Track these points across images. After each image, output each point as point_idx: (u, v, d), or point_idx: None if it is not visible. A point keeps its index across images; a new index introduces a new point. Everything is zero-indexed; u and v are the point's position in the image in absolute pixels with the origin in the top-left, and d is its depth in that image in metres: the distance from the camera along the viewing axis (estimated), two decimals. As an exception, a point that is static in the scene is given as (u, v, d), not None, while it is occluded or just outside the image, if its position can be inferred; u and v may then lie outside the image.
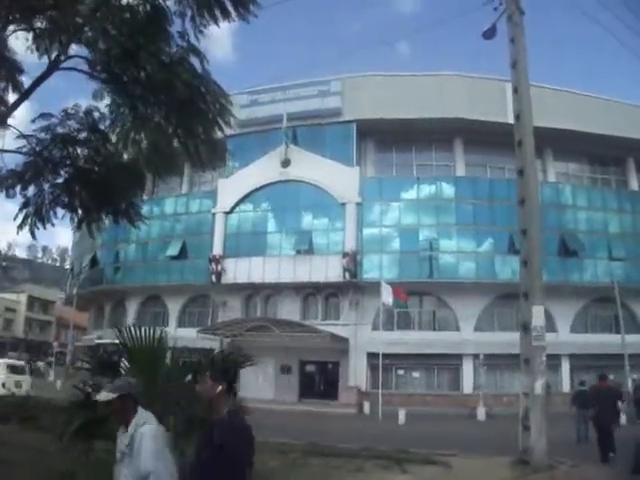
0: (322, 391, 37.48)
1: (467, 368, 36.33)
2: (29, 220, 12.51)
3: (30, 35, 11.00)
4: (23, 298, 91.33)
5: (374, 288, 33.23)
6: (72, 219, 13.08)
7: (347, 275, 36.51)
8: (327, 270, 37.04)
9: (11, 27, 10.94)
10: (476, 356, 34.31)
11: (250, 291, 40.44)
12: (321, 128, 40.19)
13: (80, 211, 12.92)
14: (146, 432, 4.12)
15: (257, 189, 40.79)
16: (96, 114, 11.97)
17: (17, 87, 12.23)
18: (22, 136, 12.07)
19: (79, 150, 12.33)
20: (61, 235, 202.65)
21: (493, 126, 34.35)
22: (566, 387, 35.46)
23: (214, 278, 39.44)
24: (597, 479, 10.90)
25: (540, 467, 11.15)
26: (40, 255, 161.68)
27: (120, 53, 10.03)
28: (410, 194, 38.67)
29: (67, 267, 60.34)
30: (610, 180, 42.90)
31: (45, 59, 11.12)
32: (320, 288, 38.51)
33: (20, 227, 12.52)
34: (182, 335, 35.32)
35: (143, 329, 9.05)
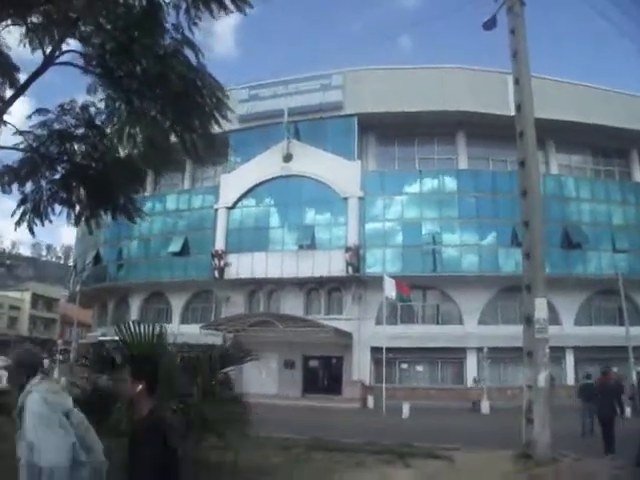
0: (326, 386, 37.41)
1: (471, 361, 36.28)
2: (27, 216, 12.47)
3: (23, 30, 10.93)
4: (27, 296, 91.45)
5: (377, 282, 33.16)
6: (69, 215, 12.99)
7: (350, 270, 36.44)
8: (330, 265, 36.97)
9: (4, 22, 10.88)
10: (480, 349, 34.22)
11: (253, 286, 40.40)
12: (322, 122, 40.08)
13: (78, 207, 12.86)
14: (28, 402, 3.97)
15: (259, 184, 40.70)
16: (92, 109, 11.89)
17: (13, 83, 12.15)
18: (19, 132, 12.01)
19: (76, 146, 12.25)
20: (66, 233, 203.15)
21: (495, 119, 34.23)
22: (570, 380, 35.49)
23: (217, 274, 39.40)
24: (601, 472, 10.79)
25: (543, 460, 11.07)
26: (44, 253, 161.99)
27: (115, 47, 9.96)
28: (412, 188, 38.55)
29: (71, 265, 60.26)
30: (613, 172, 42.68)
31: (40, 55, 11.06)
32: (323, 283, 38.48)
33: (18, 224, 12.48)
34: (185, 331, 35.46)
35: (142, 325, 9.05)
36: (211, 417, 7.98)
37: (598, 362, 32.93)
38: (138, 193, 13.72)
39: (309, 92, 40.68)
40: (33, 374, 4.19)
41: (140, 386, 3.72)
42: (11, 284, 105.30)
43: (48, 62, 10.95)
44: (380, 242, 37.50)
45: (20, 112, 14.27)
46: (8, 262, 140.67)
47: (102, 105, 11.74)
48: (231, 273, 39.41)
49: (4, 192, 12.23)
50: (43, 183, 12.46)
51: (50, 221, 12.70)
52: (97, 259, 47.94)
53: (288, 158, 40.13)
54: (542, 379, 11.74)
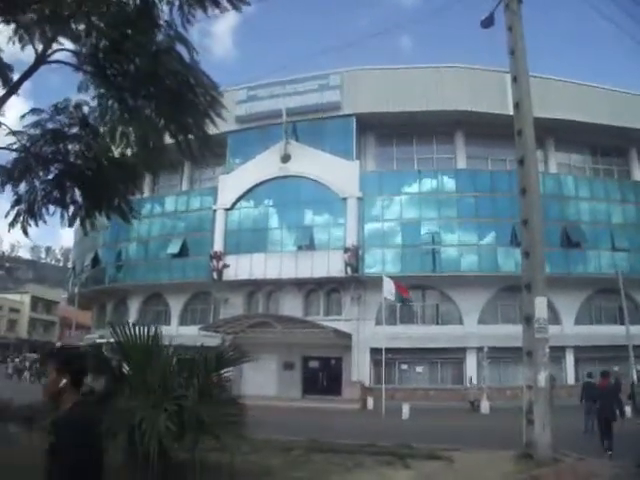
0: (325, 387, 37.26)
1: (471, 362, 36.15)
2: (21, 217, 12.37)
3: (12, 28, 10.82)
4: (27, 299, 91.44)
5: (376, 283, 33.06)
6: (63, 216, 12.88)
7: (349, 270, 36.35)
8: (329, 265, 36.88)
9: None
10: (480, 349, 34.12)
11: (252, 288, 40.31)
12: (321, 122, 40.05)
13: (72, 207, 12.75)
14: None
15: (257, 185, 40.61)
16: (86, 108, 11.79)
17: (6, 82, 12.04)
18: (12, 133, 11.90)
19: (70, 145, 12.14)
20: (65, 236, 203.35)
21: (494, 118, 34.21)
22: (571, 379, 35.46)
23: (215, 275, 39.31)
24: (602, 472, 10.69)
25: (544, 461, 10.98)
26: (44, 256, 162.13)
27: (108, 45, 9.85)
28: (411, 188, 38.45)
29: (70, 267, 60.28)
30: (612, 170, 42.61)
31: (32, 54, 10.95)
32: (322, 284, 38.40)
33: (12, 225, 12.38)
34: (184, 333, 35.53)
35: (138, 327, 8.97)
36: (207, 419, 7.88)
37: (598, 361, 32.99)
38: (133, 194, 13.57)
39: (307, 92, 40.63)
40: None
41: (65, 380, 3.37)
42: (11, 287, 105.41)
43: (40, 61, 10.85)
44: (379, 242, 37.40)
45: (14, 112, 14.19)
46: (7, 265, 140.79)
47: (95, 104, 11.63)
48: (230, 274, 39.31)
49: None
50: (37, 183, 12.36)
51: (44, 222, 12.62)
52: (96, 261, 47.86)
53: (286, 159, 40.06)
54: (542, 379, 11.65)
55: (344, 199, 38.21)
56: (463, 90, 37.62)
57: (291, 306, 38.35)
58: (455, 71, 39.11)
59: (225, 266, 39.16)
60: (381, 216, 38.01)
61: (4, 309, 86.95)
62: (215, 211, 41.47)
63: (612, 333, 34.92)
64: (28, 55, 11.67)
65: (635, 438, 11.15)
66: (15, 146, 11.93)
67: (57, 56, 11.13)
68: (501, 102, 30.29)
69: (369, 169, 40.31)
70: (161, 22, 10.18)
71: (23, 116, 11.65)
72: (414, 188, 38.43)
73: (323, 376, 38.37)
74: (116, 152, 12.35)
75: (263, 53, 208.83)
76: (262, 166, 40.21)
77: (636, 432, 14.00)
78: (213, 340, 31.86)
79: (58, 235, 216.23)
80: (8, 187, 12.29)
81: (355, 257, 36.48)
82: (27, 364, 53.36)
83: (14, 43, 11.13)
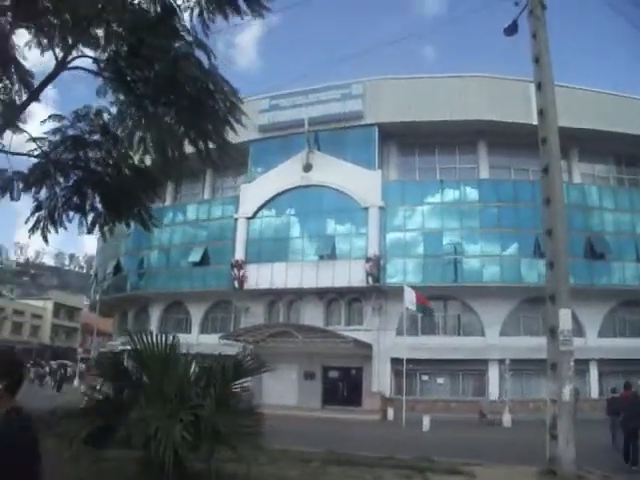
0: (345, 397, 37.02)
1: (493, 374, 35.68)
2: (41, 224, 12.39)
3: (34, 34, 10.87)
4: (49, 305, 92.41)
5: (398, 293, 32.82)
6: (81, 223, 12.87)
7: (370, 280, 36.11)
8: (350, 275, 36.70)
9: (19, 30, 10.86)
10: (502, 361, 33.68)
11: (273, 297, 40.27)
12: (343, 132, 39.99)
13: (92, 214, 12.75)
14: None
15: (279, 194, 40.61)
16: (106, 115, 11.79)
17: (27, 87, 12.09)
18: (32, 139, 11.95)
19: (90, 153, 12.15)
20: (88, 243, 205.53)
21: (517, 127, 33.97)
22: (594, 393, 34.85)
23: (236, 284, 39.30)
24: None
25: (568, 477, 10.73)
26: (67, 262, 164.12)
27: (128, 50, 9.83)
28: (433, 198, 38.18)
29: (92, 274, 60.91)
30: (638, 180, 41.92)
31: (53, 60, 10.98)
32: (343, 293, 38.21)
33: (32, 231, 12.41)
34: (204, 341, 35.54)
35: (156, 335, 8.91)
36: (224, 429, 7.78)
37: (622, 374, 32.35)
38: (153, 201, 13.56)
39: (329, 102, 40.60)
40: None
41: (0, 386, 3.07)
42: (34, 293, 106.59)
43: (60, 67, 10.87)
44: (401, 252, 37.16)
45: (34, 120, 14.29)
46: (32, 271, 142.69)
47: (115, 110, 11.64)
48: (251, 283, 39.28)
49: (12, 199, 12.15)
50: (57, 190, 12.38)
51: (65, 228, 12.64)
52: (118, 269, 48.18)
53: (308, 168, 40.02)
54: (567, 393, 11.42)
55: (366, 209, 38.05)
56: (486, 99, 37.36)
57: (312, 316, 38.17)
58: (478, 80, 38.85)
59: (245, 276, 39.14)
60: (403, 226, 37.78)
61: (27, 315, 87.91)
62: (237, 220, 41.51)
63: (636, 346, 34.24)
64: (41, 62, 11.76)
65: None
66: (36, 153, 11.98)
67: (77, 63, 11.17)
68: (524, 111, 30.01)
69: (391, 179, 40.11)
70: (181, 28, 10.15)
71: (43, 122, 11.69)
72: (436, 198, 38.16)
73: (343, 386, 38.13)
74: (136, 159, 12.35)
75: (286, 63, 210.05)
76: (284, 175, 40.23)
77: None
78: (233, 349, 31.77)
79: (82, 242, 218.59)
80: (28, 194, 12.34)
81: (377, 267, 36.27)
82: (48, 369, 53.86)
83: (30, 48, 11.21)
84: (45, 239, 12.59)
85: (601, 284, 35.76)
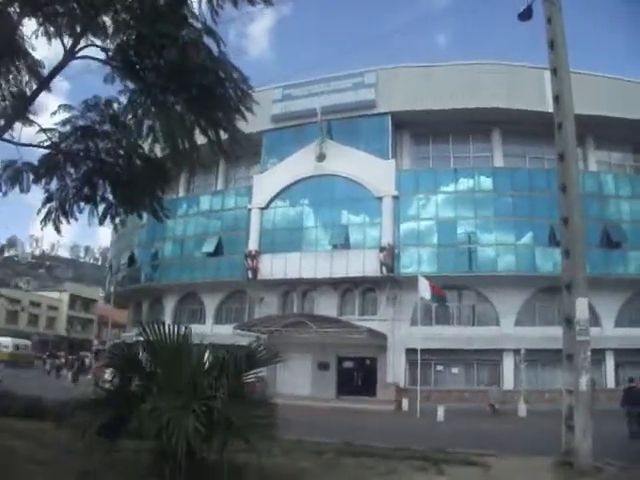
0: (360, 387, 36.97)
1: (508, 363, 35.48)
2: (53, 215, 12.38)
3: (42, 23, 10.82)
4: (65, 297, 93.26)
5: (412, 283, 32.74)
6: (92, 213, 12.83)
7: (384, 270, 35.95)
8: (364, 265, 36.59)
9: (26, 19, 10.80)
10: (517, 351, 33.48)
11: (287, 287, 40.27)
12: (356, 121, 39.83)
13: (103, 205, 12.72)
14: None
15: (293, 184, 40.54)
16: (116, 105, 11.74)
17: (37, 77, 12.06)
18: (42, 130, 11.92)
19: (100, 143, 12.10)
20: (103, 235, 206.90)
21: (531, 115, 33.69)
22: (611, 383, 34.53)
23: (250, 274, 39.31)
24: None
25: (585, 469, 10.58)
26: (82, 255, 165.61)
27: (137, 38, 9.75)
28: (447, 186, 37.92)
29: (107, 266, 61.26)
30: (655, 168, 41.48)
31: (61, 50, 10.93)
32: (357, 283, 38.13)
33: (44, 222, 12.41)
34: (219, 332, 35.72)
35: (168, 326, 8.86)
36: (236, 420, 7.72)
37: (639, 365, 32.13)
38: (164, 192, 13.49)
39: (342, 91, 40.41)
40: None
41: None
42: (50, 285, 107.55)
43: (69, 56, 10.79)
44: (415, 242, 37.00)
45: (44, 110, 14.27)
46: (48, 263, 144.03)
47: (124, 100, 11.57)
48: (264, 274, 39.28)
49: (22, 191, 12.14)
50: (68, 181, 12.35)
51: (76, 219, 12.62)
52: (132, 260, 48.41)
53: (321, 157, 39.89)
54: (583, 383, 11.27)
55: (380, 198, 37.89)
56: (500, 87, 36.98)
57: (326, 306, 38.14)
58: (492, 68, 38.43)
59: (258, 266, 39.14)
60: (417, 215, 37.59)
61: (43, 307, 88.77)
62: (250, 210, 41.49)
63: (654, 336, 33.97)
64: (48, 52, 11.68)
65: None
66: (46, 144, 11.95)
67: (86, 52, 11.11)
68: (539, 99, 29.74)
69: (405, 168, 39.89)
70: (189, 15, 10.05)
71: (54, 113, 11.66)
72: (450, 187, 37.90)
73: (358, 376, 38.12)
74: (146, 150, 12.29)
75: (298, 53, 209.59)
76: (297, 165, 40.15)
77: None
78: (247, 340, 31.84)
79: (97, 235, 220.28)
80: (39, 185, 12.35)
81: (391, 256, 36.12)
82: (64, 361, 54.26)
83: (37, 37, 11.16)
84: (57, 230, 12.59)
85: (617, 273, 35.36)
